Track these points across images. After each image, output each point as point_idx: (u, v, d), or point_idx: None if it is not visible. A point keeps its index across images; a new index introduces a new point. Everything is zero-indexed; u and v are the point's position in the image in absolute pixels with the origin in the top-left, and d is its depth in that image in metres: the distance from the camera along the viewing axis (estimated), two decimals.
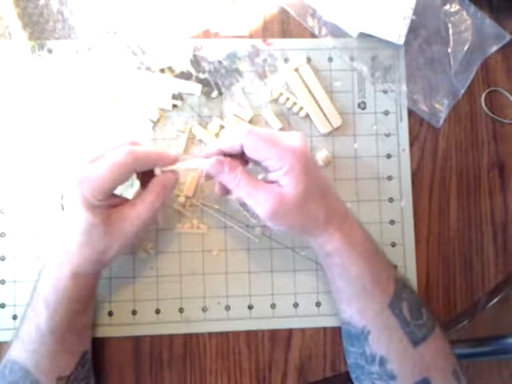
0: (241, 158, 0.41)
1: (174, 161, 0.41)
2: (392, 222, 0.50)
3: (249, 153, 0.39)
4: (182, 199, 0.48)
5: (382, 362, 0.41)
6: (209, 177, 0.41)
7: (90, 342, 0.44)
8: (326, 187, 0.41)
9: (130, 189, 0.46)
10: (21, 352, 0.40)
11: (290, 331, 0.48)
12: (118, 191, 0.42)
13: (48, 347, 0.39)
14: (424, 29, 0.52)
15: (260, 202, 0.38)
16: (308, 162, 0.38)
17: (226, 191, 0.42)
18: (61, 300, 0.39)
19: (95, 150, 0.39)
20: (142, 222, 0.40)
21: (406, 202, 0.50)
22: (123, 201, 0.41)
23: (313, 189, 0.39)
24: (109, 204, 0.39)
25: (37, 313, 0.40)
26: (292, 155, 0.37)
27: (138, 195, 0.42)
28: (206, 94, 0.49)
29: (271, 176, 0.39)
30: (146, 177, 0.42)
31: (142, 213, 0.40)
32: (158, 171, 0.41)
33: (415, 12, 0.49)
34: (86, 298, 0.41)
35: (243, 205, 0.48)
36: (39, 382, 0.39)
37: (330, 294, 0.47)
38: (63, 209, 0.48)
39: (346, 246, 0.41)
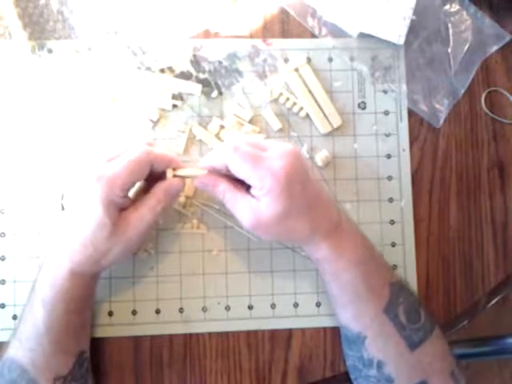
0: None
1: (180, 167, 0.43)
2: (392, 222, 0.50)
3: (233, 171, 0.39)
4: (181, 199, 0.48)
5: (380, 365, 0.41)
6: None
7: (88, 342, 0.44)
8: (314, 202, 0.41)
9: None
10: (18, 351, 0.40)
11: (290, 331, 0.48)
12: None
13: (44, 346, 0.39)
14: (424, 29, 0.52)
15: (241, 216, 0.40)
16: (290, 182, 0.38)
17: None
18: (57, 299, 0.40)
19: (112, 150, 0.41)
20: (144, 226, 0.40)
21: (406, 202, 0.50)
22: (129, 204, 0.42)
23: (294, 207, 0.39)
24: (121, 204, 0.40)
25: (34, 312, 0.40)
26: (272, 178, 0.38)
27: (138, 196, 0.43)
28: (206, 94, 0.49)
29: (253, 192, 0.40)
30: (153, 181, 0.43)
31: (144, 217, 0.40)
32: (169, 174, 0.42)
33: (415, 12, 0.49)
34: (82, 298, 0.41)
35: None
36: (36, 380, 0.39)
37: (328, 297, 0.47)
38: (63, 209, 0.48)
39: (333, 254, 0.41)
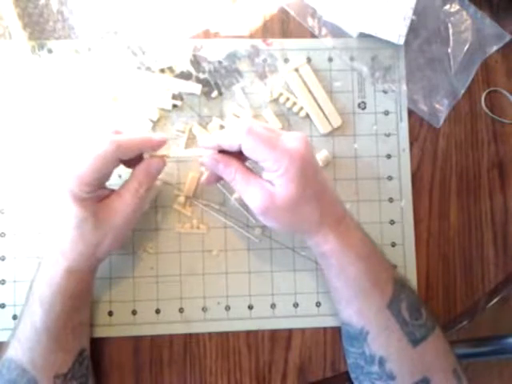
0: (240, 153, 0.41)
1: (159, 144, 0.42)
2: (392, 222, 0.50)
3: (247, 153, 0.39)
4: (181, 199, 0.48)
5: (382, 362, 0.41)
6: (210, 180, 0.44)
7: (88, 340, 0.44)
8: (323, 189, 0.41)
9: (118, 180, 0.46)
10: (17, 350, 0.40)
11: (290, 331, 0.48)
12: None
13: (43, 345, 0.40)
14: (424, 29, 0.52)
15: (252, 199, 0.39)
16: (305, 165, 0.38)
17: (212, 181, 0.44)
18: (55, 297, 0.40)
19: (80, 145, 0.40)
20: (130, 211, 0.40)
21: (406, 202, 0.50)
22: (111, 192, 0.42)
23: (307, 192, 0.39)
24: (97, 196, 0.40)
25: (32, 311, 0.40)
26: (288, 159, 0.37)
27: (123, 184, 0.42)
28: (206, 94, 0.49)
29: (265, 176, 0.39)
30: (135, 165, 0.42)
31: (128, 202, 0.40)
32: (146, 156, 0.42)
33: (415, 12, 0.49)
34: (80, 295, 0.41)
35: (243, 205, 0.48)
36: (36, 379, 0.39)
37: (330, 294, 0.47)
38: None
39: (341, 247, 0.41)
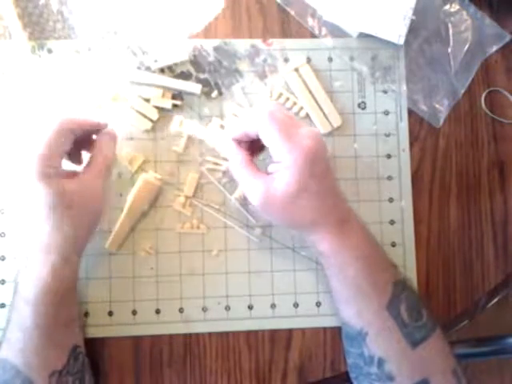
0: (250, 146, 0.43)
1: (104, 124, 0.44)
2: (392, 222, 0.50)
3: (262, 136, 0.39)
4: (181, 199, 0.48)
5: (381, 363, 0.41)
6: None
7: (81, 336, 0.44)
8: (329, 189, 0.41)
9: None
10: (9, 351, 0.39)
11: (290, 331, 0.48)
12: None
13: (35, 343, 0.39)
14: (424, 29, 0.52)
15: (252, 190, 0.40)
16: (315, 162, 0.38)
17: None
18: (41, 294, 0.39)
19: (39, 128, 0.41)
20: (95, 188, 0.41)
21: (406, 202, 0.50)
22: (75, 172, 0.43)
23: (310, 188, 0.39)
24: (64, 174, 0.41)
25: (19, 312, 0.40)
26: (299, 153, 0.38)
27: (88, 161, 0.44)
28: (206, 94, 0.49)
29: (271, 168, 0.40)
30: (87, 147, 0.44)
31: (91, 178, 0.41)
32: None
33: (415, 12, 0.49)
34: (65, 290, 0.41)
35: (243, 205, 0.48)
36: (31, 379, 0.39)
37: (330, 293, 0.47)
38: None
39: (339, 247, 0.41)
